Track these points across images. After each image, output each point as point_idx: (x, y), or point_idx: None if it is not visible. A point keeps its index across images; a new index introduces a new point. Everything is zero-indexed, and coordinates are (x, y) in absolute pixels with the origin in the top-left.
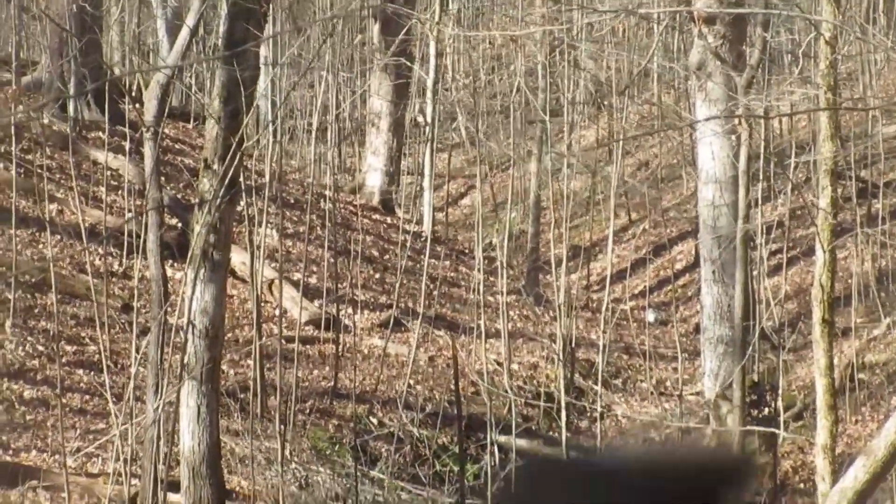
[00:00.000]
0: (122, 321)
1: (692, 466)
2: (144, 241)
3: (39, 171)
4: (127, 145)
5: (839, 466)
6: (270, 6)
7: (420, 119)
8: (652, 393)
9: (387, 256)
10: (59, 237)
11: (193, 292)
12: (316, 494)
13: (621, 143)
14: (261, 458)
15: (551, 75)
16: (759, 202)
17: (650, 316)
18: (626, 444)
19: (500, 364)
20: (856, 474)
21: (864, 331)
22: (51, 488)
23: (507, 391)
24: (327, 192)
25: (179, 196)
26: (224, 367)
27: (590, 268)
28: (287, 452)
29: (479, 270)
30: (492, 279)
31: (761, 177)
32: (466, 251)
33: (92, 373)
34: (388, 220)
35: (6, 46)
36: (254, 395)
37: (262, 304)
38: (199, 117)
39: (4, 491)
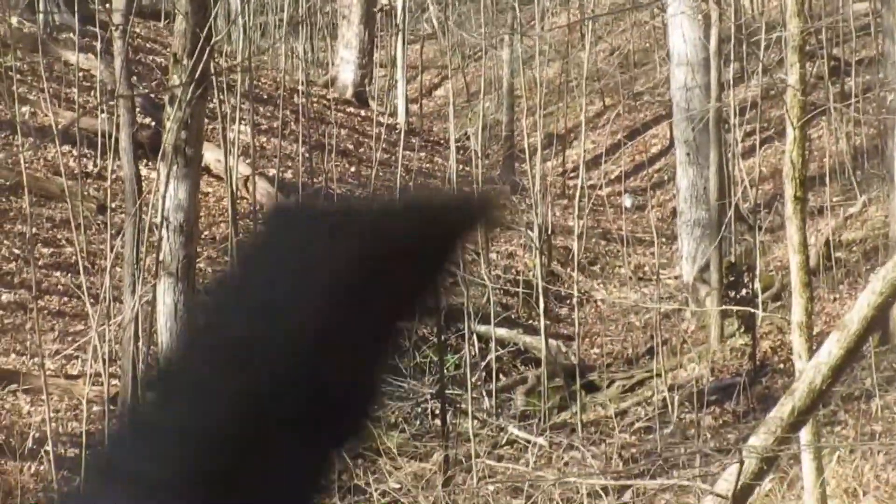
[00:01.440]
0: (98, 222)
1: (433, 209)
2: (117, 141)
3: (10, 73)
4: (98, 45)
5: (817, 345)
6: None
7: (391, 4)
8: (630, 278)
9: (362, 149)
10: (32, 139)
11: (167, 189)
12: None
13: (592, 25)
14: None
15: None
16: (732, 84)
17: (627, 201)
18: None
19: (477, 253)
20: (830, 349)
21: (839, 209)
22: (30, 391)
23: (484, 280)
24: (300, 87)
25: (152, 95)
26: (201, 265)
27: (565, 155)
28: None
29: (454, 161)
30: (467, 169)
31: (733, 58)
32: (441, 142)
33: (69, 275)
34: (362, 112)
35: None
36: None
37: (238, 201)
38: (170, 16)
39: None
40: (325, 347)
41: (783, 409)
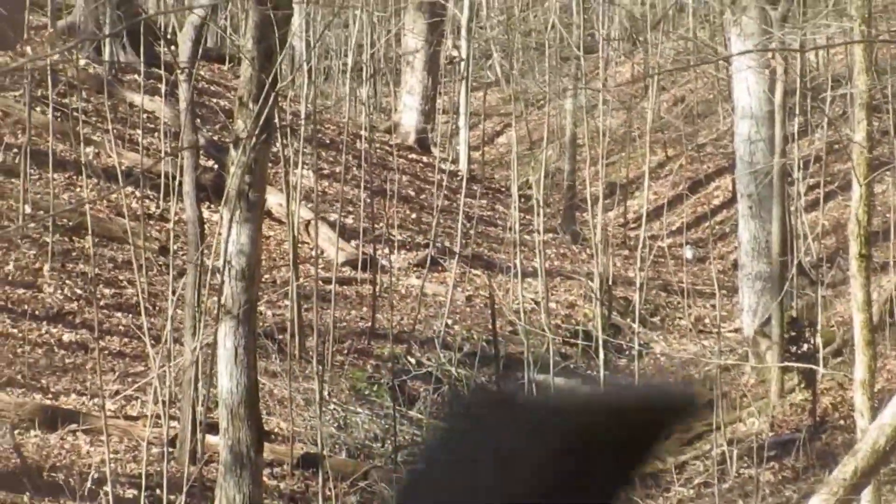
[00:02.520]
0: (160, 263)
1: (631, 403)
2: (181, 184)
3: (76, 114)
4: (162, 87)
5: (879, 403)
6: None
7: (455, 53)
8: (690, 330)
9: (423, 196)
10: (95, 180)
11: (229, 233)
12: (354, 435)
13: (656, 78)
14: (299, 399)
15: (585, 11)
16: (796, 137)
17: (688, 253)
18: (579, 387)
19: (537, 303)
20: (894, 411)
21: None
22: (90, 431)
23: (544, 330)
24: (363, 132)
25: (215, 138)
26: (261, 309)
27: (626, 205)
28: (325, 393)
29: (515, 209)
30: (528, 217)
31: (797, 111)
32: (503, 190)
33: (130, 315)
34: (424, 159)
35: None
36: (291, 337)
37: (299, 245)
38: (234, 59)
39: (44, 434)
40: None
41: (846, 470)
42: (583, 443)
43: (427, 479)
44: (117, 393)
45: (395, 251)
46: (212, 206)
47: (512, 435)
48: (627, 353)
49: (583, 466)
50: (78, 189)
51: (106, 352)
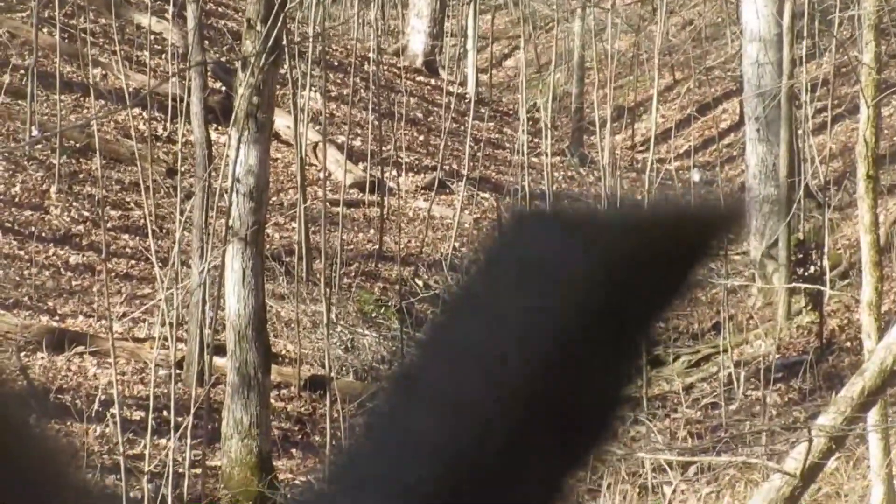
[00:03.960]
0: (167, 185)
1: (682, 215)
2: (188, 105)
3: (83, 35)
4: (170, 8)
5: (885, 324)
6: None
7: None
8: None
9: (431, 119)
10: (103, 102)
11: (238, 155)
12: (362, 357)
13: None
14: (306, 322)
15: None
16: (804, 60)
17: (695, 175)
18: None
19: None
20: None
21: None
22: (97, 353)
23: None
24: (371, 55)
25: (223, 59)
26: (269, 231)
27: (634, 128)
28: (333, 315)
29: (523, 132)
30: (536, 140)
31: (805, 34)
32: (511, 113)
33: (137, 238)
34: (432, 82)
35: None
36: (299, 259)
37: (307, 168)
38: None
39: (50, 356)
40: (575, 358)
41: (853, 389)
42: (632, 256)
43: (468, 298)
44: (124, 315)
45: (403, 174)
46: (219, 128)
47: (561, 252)
48: None
49: (632, 281)
50: (85, 110)
51: (113, 274)
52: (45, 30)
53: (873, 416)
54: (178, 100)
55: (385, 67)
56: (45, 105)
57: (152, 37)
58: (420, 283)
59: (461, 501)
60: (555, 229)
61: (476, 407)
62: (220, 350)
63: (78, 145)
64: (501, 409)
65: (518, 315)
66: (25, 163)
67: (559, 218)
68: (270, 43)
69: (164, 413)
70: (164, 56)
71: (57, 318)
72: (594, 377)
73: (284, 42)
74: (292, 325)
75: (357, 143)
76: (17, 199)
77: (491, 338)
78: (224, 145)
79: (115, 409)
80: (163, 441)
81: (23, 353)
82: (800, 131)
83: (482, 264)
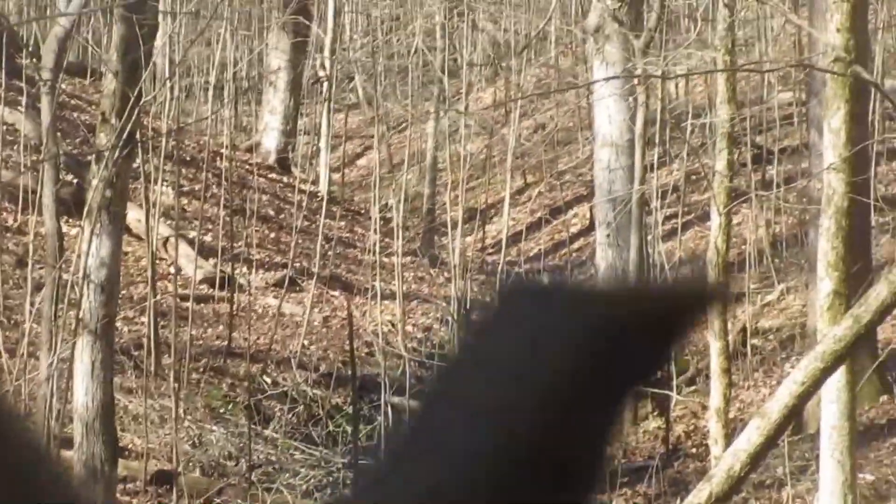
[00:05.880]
0: (16, 276)
1: (666, 292)
2: (40, 197)
3: None
4: (24, 100)
5: (732, 431)
6: None
7: (321, 73)
8: None
9: (282, 216)
10: None
11: (90, 247)
12: (209, 452)
13: (518, 103)
14: (154, 416)
15: (449, 36)
16: (655, 166)
17: (544, 279)
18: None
19: (394, 325)
20: (749, 437)
21: (757, 296)
22: None
23: (401, 352)
24: (224, 151)
25: (75, 152)
26: (118, 325)
27: (485, 230)
28: (181, 410)
29: (375, 231)
30: (387, 240)
31: (657, 141)
32: (362, 212)
33: None
34: (285, 179)
35: None
36: (148, 353)
37: (157, 262)
38: (96, 73)
39: None
40: (564, 419)
41: (700, 495)
42: (619, 325)
43: (459, 369)
44: None
45: (254, 270)
46: (70, 220)
47: (550, 319)
48: None
49: (615, 347)
50: None
51: None
52: None
53: None
54: (29, 191)
55: (237, 163)
56: None
57: (4, 127)
58: (269, 380)
59: None
60: (543, 298)
61: (472, 457)
62: (67, 443)
63: None
64: (495, 456)
65: (516, 374)
66: None
67: (547, 288)
68: (125, 137)
69: None
70: (16, 147)
71: None
72: (586, 431)
73: (138, 136)
74: (140, 419)
75: (208, 238)
76: None
77: (487, 395)
78: (75, 237)
79: None
80: None
81: None
82: (649, 237)
83: (484, 328)
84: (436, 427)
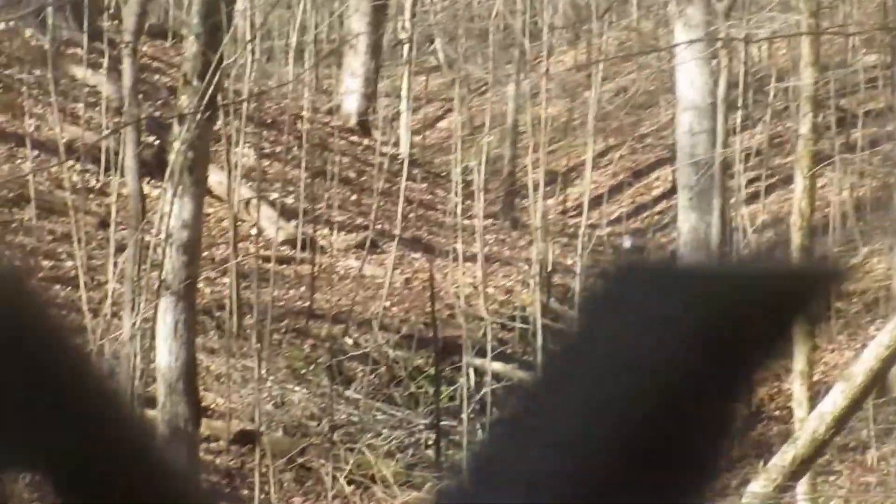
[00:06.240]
0: (99, 237)
1: (787, 272)
2: (122, 158)
3: (22, 86)
4: (105, 62)
5: (815, 394)
6: None
7: (402, 36)
8: None
9: (363, 178)
10: (37, 153)
11: (171, 209)
12: (291, 413)
13: (600, 66)
14: (237, 377)
15: None
16: (738, 130)
17: (626, 242)
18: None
19: (475, 287)
20: (834, 400)
21: (842, 259)
22: None
23: (482, 314)
24: (305, 113)
25: (157, 114)
26: (200, 286)
27: (566, 193)
28: (263, 371)
29: (455, 194)
30: (468, 202)
31: (740, 104)
32: (443, 174)
33: (69, 288)
34: (365, 141)
35: None
36: (230, 314)
37: (239, 224)
38: (177, 36)
39: None
40: (683, 412)
41: (785, 457)
42: (741, 312)
43: (565, 359)
44: None
45: (335, 232)
46: (152, 181)
47: (665, 306)
48: None
49: (729, 335)
50: (19, 161)
51: None
52: None
53: (802, 485)
54: (111, 153)
55: (318, 126)
56: None
57: (87, 89)
58: (350, 341)
59: None
60: (666, 285)
61: (582, 450)
62: (150, 402)
63: (11, 195)
64: (607, 451)
65: (629, 361)
66: None
67: (663, 270)
68: (206, 99)
69: None
70: (98, 109)
71: None
72: (704, 423)
73: (219, 99)
74: (222, 380)
75: (289, 200)
76: None
77: (597, 386)
78: (157, 199)
79: None
80: None
81: None
82: (732, 200)
83: (595, 313)
84: (544, 419)
